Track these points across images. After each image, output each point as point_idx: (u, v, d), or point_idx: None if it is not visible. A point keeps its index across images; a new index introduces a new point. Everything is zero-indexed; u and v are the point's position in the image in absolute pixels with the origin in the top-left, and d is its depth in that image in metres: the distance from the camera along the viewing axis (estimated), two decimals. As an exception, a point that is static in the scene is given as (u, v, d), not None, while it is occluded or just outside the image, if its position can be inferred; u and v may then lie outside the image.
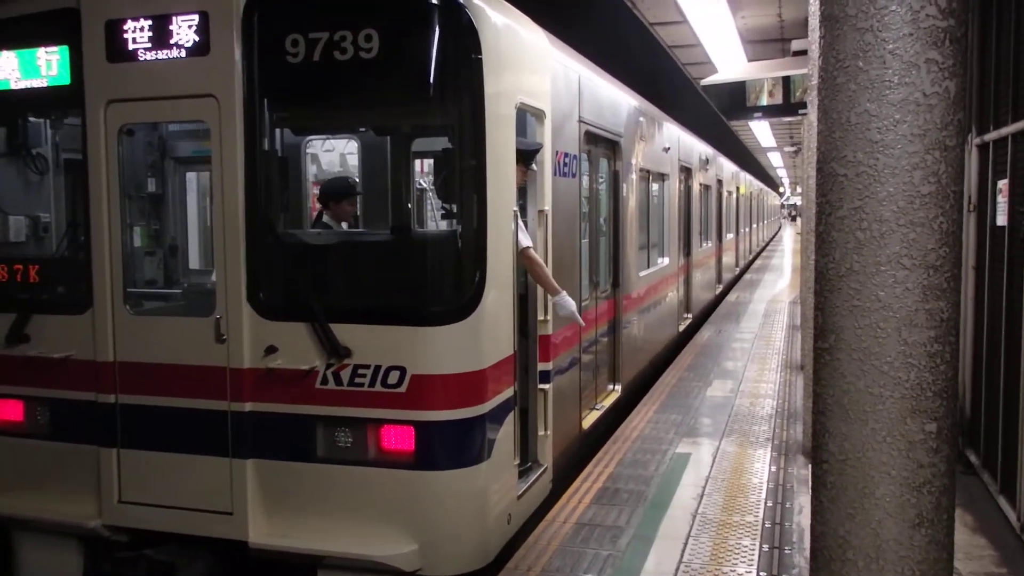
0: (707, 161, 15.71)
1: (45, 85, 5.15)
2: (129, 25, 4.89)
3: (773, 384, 9.83)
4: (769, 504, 5.95)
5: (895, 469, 2.42)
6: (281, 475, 4.85)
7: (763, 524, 5.59)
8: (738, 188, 23.90)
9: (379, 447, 4.71)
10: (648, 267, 10.15)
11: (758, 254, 34.36)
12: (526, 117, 5.83)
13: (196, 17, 4.77)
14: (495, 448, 4.90)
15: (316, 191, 6.96)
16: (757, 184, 36.04)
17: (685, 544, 5.28)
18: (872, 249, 2.39)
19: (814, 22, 6.48)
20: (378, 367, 4.65)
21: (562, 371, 6.36)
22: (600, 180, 8.11)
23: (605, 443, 7.44)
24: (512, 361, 5.17)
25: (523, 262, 5.59)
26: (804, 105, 9.10)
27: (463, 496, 4.76)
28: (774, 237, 53.39)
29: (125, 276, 5.14)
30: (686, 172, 13.19)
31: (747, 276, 24.99)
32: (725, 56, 14.56)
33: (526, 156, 5.63)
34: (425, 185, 7.47)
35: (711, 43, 13.80)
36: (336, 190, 6.28)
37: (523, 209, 5.81)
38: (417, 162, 7.36)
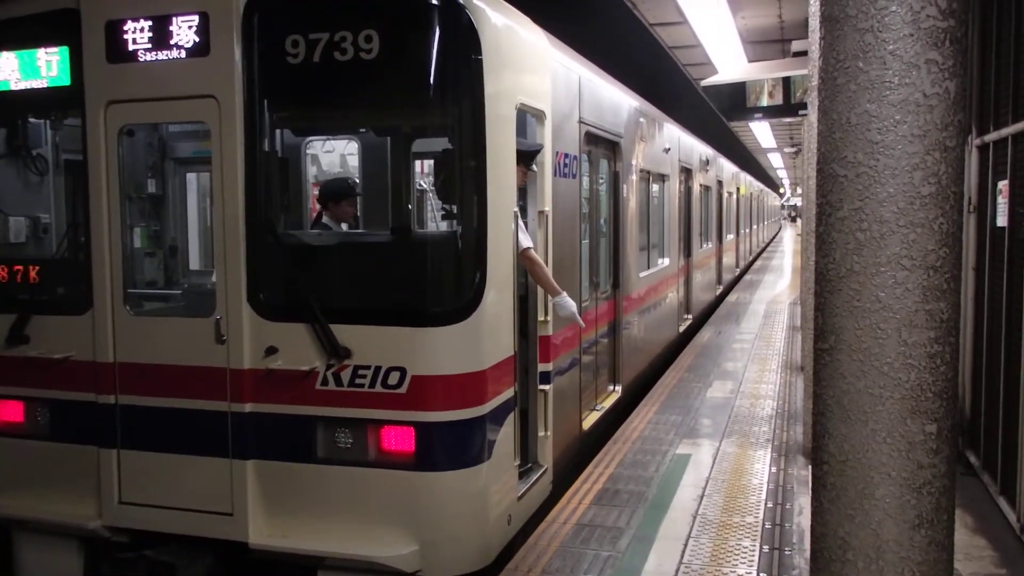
0: (707, 162, 15.71)
1: (45, 86, 5.15)
2: (129, 26, 4.89)
3: (773, 385, 9.83)
4: (769, 505, 5.95)
5: (895, 470, 2.42)
6: (281, 476, 4.85)
7: (763, 525, 5.59)
8: (738, 189, 23.90)
9: (379, 448, 4.71)
10: (648, 268, 10.15)
11: (758, 255, 34.36)
12: (526, 118, 5.83)
13: (196, 18, 4.77)
14: (495, 449, 4.90)
15: (316, 192, 6.96)
16: (757, 185, 36.05)
17: (685, 545, 5.28)
18: (872, 250, 2.39)
19: (814, 23, 6.47)
20: (378, 368, 4.65)
21: (562, 372, 6.35)
22: (600, 181, 8.11)
23: (605, 444, 7.44)
24: (512, 362, 5.17)
25: (524, 263, 5.59)
26: (804, 106, 9.10)
27: (463, 497, 4.76)
28: (774, 238, 53.39)
29: (125, 277, 5.14)
30: (686, 173, 13.19)
31: (747, 277, 24.99)
32: (725, 57, 14.54)
33: (526, 157, 5.63)
34: (425, 186, 7.48)
35: (711, 44, 13.79)
36: (335, 191, 6.28)
37: (523, 210, 5.81)
38: (417, 163, 7.36)
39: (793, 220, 73.20)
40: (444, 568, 4.69)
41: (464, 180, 4.79)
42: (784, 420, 8.26)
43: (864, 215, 2.40)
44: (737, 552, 5.17)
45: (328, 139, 7.41)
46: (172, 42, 4.82)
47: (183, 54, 4.81)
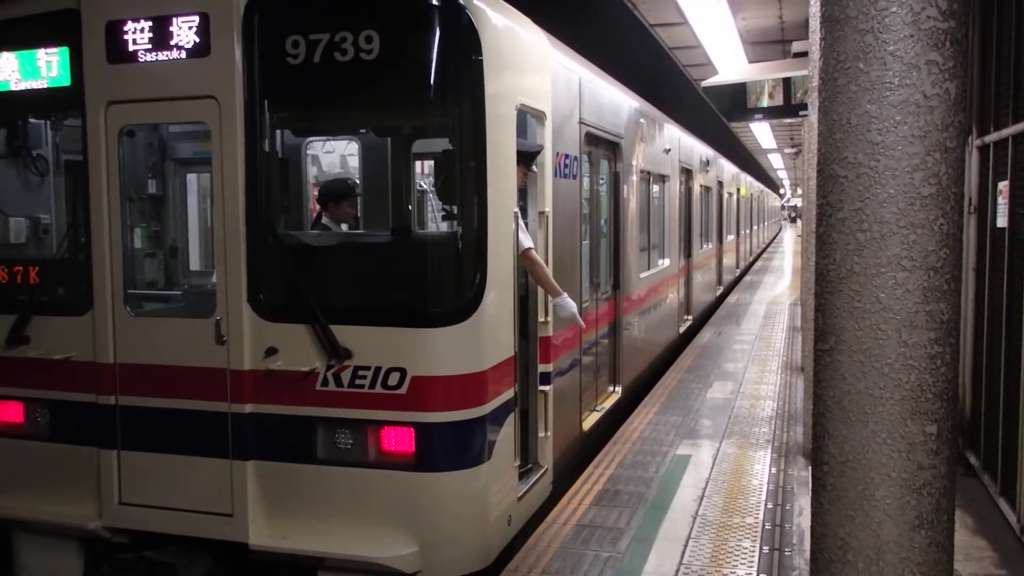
0: (708, 162, 15.71)
1: (45, 86, 5.15)
2: (129, 26, 4.89)
3: (773, 386, 9.83)
4: (769, 506, 5.95)
5: (895, 471, 2.42)
6: (281, 477, 4.85)
7: (763, 526, 5.58)
8: (739, 189, 23.90)
9: (379, 448, 4.71)
10: (649, 269, 10.15)
11: (758, 256, 34.36)
12: (527, 118, 5.83)
13: (196, 18, 4.77)
14: (495, 450, 4.90)
15: (316, 192, 6.97)
16: (758, 186, 36.05)
17: (685, 546, 5.28)
18: (872, 251, 2.39)
19: (815, 23, 6.48)
20: (378, 368, 4.65)
21: (562, 372, 6.35)
22: (601, 181, 8.11)
23: (605, 445, 7.44)
24: (512, 362, 5.16)
25: (524, 263, 5.59)
26: (804, 106, 9.10)
27: (463, 498, 4.76)
28: (775, 239, 53.38)
29: (125, 277, 5.14)
30: (687, 174, 13.19)
31: (748, 278, 24.99)
32: (726, 57, 14.54)
33: (527, 158, 5.63)
34: (425, 186, 7.48)
35: (712, 44, 13.79)
36: (335, 191, 6.28)
37: (523, 210, 5.81)
38: (418, 163, 7.36)
39: (793, 221, 73.21)
40: (444, 569, 4.69)
41: (464, 181, 4.79)
42: (784, 421, 8.26)
43: (864, 216, 2.40)
44: (737, 553, 5.17)
45: (328, 140, 7.41)
46: (172, 43, 4.82)
47: (183, 55, 4.81)
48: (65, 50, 5.06)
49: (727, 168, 20.49)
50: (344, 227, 6.26)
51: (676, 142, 11.97)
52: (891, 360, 2.40)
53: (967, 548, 5.32)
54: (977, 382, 6.67)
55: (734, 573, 4.90)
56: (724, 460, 6.99)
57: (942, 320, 2.39)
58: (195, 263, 6.95)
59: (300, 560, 4.74)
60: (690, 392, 9.50)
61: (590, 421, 7.27)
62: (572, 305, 5.96)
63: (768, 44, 13.83)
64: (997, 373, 6.00)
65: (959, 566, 4.84)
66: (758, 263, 31.32)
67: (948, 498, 2.47)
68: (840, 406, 2.48)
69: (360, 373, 4.67)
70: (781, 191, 73.33)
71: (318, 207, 6.43)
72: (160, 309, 5.92)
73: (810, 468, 2.89)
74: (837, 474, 2.51)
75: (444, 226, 5.74)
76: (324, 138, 7.32)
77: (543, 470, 5.84)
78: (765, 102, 10.93)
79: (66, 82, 5.08)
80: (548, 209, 5.97)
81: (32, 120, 5.60)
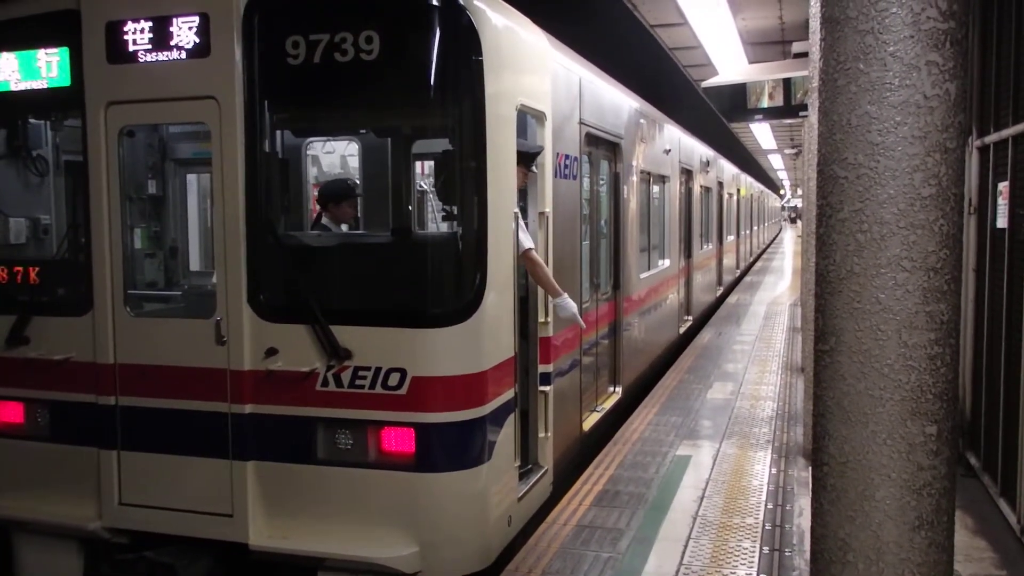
0: (708, 163, 15.71)
1: (45, 86, 5.15)
2: (129, 27, 4.89)
3: (773, 386, 9.83)
4: (769, 506, 5.95)
5: (895, 471, 2.42)
6: (281, 477, 4.85)
7: (763, 526, 5.58)
8: (739, 190, 23.90)
9: (379, 449, 4.70)
10: (649, 269, 10.15)
11: (759, 256, 34.36)
12: (527, 119, 5.83)
13: (196, 19, 4.77)
14: (496, 450, 4.90)
15: (316, 193, 6.97)
16: (758, 186, 36.05)
17: (685, 546, 5.28)
18: (872, 251, 2.39)
19: (815, 24, 6.48)
20: (378, 369, 4.65)
21: (563, 373, 6.35)
22: (601, 182, 8.11)
23: (605, 445, 7.44)
24: (512, 363, 5.16)
25: (525, 264, 5.59)
26: (805, 107, 9.10)
27: (464, 498, 4.75)
28: (775, 239, 53.38)
29: (125, 278, 5.14)
30: (687, 174, 13.19)
31: (748, 278, 24.99)
32: (726, 58, 14.55)
33: (527, 158, 5.63)
34: (426, 187, 7.48)
35: (712, 45, 13.80)
36: (335, 192, 6.28)
37: (523, 211, 5.81)
38: (418, 164, 7.36)
39: (793, 221, 73.20)
40: (444, 569, 4.69)
41: (464, 181, 4.79)
42: (784, 422, 8.26)
43: (864, 217, 2.40)
44: (737, 553, 5.17)
45: (328, 140, 7.41)
46: (172, 43, 4.82)
47: (183, 55, 4.81)
48: (65, 50, 5.06)
49: (727, 169, 20.49)
50: (344, 227, 6.26)
51: (676, 143, 11.97)
52: (891, 361, 2.40)
53: (967, 549, 5.32)
54: (977, 383, 6.67)
55: (734, 574, 4.90)
56: (724, 461, 6.99)
57: (942, 321, 2.39)
58: (195, 263, 6.95)
59: (300, 560, 4.74)
60: (690, 393, 9.50)
61: (590, 422, 7.27)
62: (573, 306, 5.96)
63: (768, 45, 13.84)
64: (997, 374, 5.99)
65: (959, 567, 4.84)
66: (758, 264, 31.33)
67: (948, 499, 2.47)
68: (840, 407, 2.48)
69: (360, 373, 4.67)
70: (781, 192, 73.34)
71: (318, 207, 6.43)
72: (160, 309, 5.92)
73: (810, 469, 2.89)
74: (837, 475, 2.51)
75: (444, 226, 5.74)
76: (324, 138, 7.32)
77: (543, 471, 5.84)
78: (765, 103, 10.94)
79: (66, 82, 5.08)
80: (548, 210, 5.97)
81: (32, 120, 5.60)
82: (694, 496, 6.15)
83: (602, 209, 8.19)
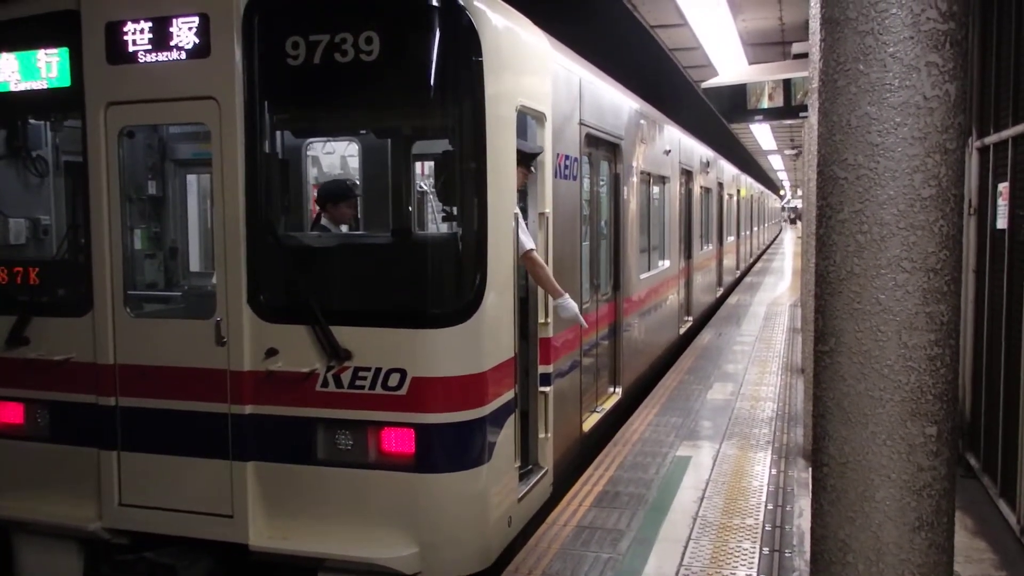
0: (708, 164, 15.71)
1: (45, 87, 5.15)
2: (129, 27, 4.89)
3: (773, 387, 9.83)
4: (769, 507, 5.95)
5: (895, 472, 2.42)
6: (281, 478, 4.84)
7: (763, 527, 5.58)
8: (739, 191, 23.91)
9: (379, 449, 4.70)
10: (649, 270, 10.15)
11: (759, 257, 34.36)
12: (527, 119, 5.83)
13: (196, 19, 4.77)
14: (496, 451, 4.90)
15: (316, 193, 6.97)
16: (758, 187, 36.05)
17: (685, 547, 5.28)
18: (872, 252, 2.39)
19: (815, 25, 6.48)
20: (379, 369, 4.65)
21: (563, 374, 6.35)
22: (601, 183, 8.11)
23: (605, 446, 7.44)
24: (513, 363, 5.16)
25: (526, 264, 5.59)
26: (805, 108, 9.11)
27: (464, 499, 4.75)
28: (775, 240, 53.39)
29: (125, 278, 5.14)
30: (687, 175, 13.19)
31: (748, 279, 24.99)
32: (726, 59, 14.57)
33: (527, 159, 5.63)
34: (426, 187, 7.48)
35: (712, 46, 13.81)
36: (334, 192, 6.28)
37: (523, 211, 5.81)
38: (418, 164, 7.36)
39: (793, 222, 73.21)
40: (444, 570, 4.69)
41: (464, 182, 4.78)
42: (784, 422, 8.25)
43: (864, 217, 2.40)
44: (737, 554, 5.17)
45: (328, 141, 7.41)
46: (172, 43, 4.82)
47: (183, 55, 4.81)
48: (65, 51, 5.06)
49: (727, 169, 20.49)
50: (344, 228, 6.26)
51: (676, 143, 11.97)
52: (891, 362, 2.39)
53: (967, 550, 5.31)
54: (977, 383, 6.67)
55: (734, 574, 4.90)
56: (724, 461, 6.99)
57: (942, 322, 2.39)
58: (195, 264, 6.95)
59: (300, 561, 4.74)
60: (690, 393, 9.50)
61: (590, 422, 7.27)
62: (574, 306, 5.95)
63: (768, 45, 13.85)
64: (997, 374, 6.00)
65: (959, 568, 4.84)
66: (758, 264, 31.33)
67: (948, 500, 2.47)
68: (840, 407, 2.48)
69: (360, 374, 4.67)
70: (781, 192, 73.35)
71: (317, 208, 6.43)
72: (160, 310, 5.92)
73: (810, 469, 2.89)
74: (837, 475, 2.50)
75: (444, 227, 5.74)
76: (324, 139, 7.32)
77: (543, 471, 5.84)
78: (765, 103, 10.95)
79: (66, 83, 5.08)
80: (548, 210, 5.97)
81: (32, 121, 5.60)
82: (694, 497, 6.15)
83: (602, 210, 8.19)
